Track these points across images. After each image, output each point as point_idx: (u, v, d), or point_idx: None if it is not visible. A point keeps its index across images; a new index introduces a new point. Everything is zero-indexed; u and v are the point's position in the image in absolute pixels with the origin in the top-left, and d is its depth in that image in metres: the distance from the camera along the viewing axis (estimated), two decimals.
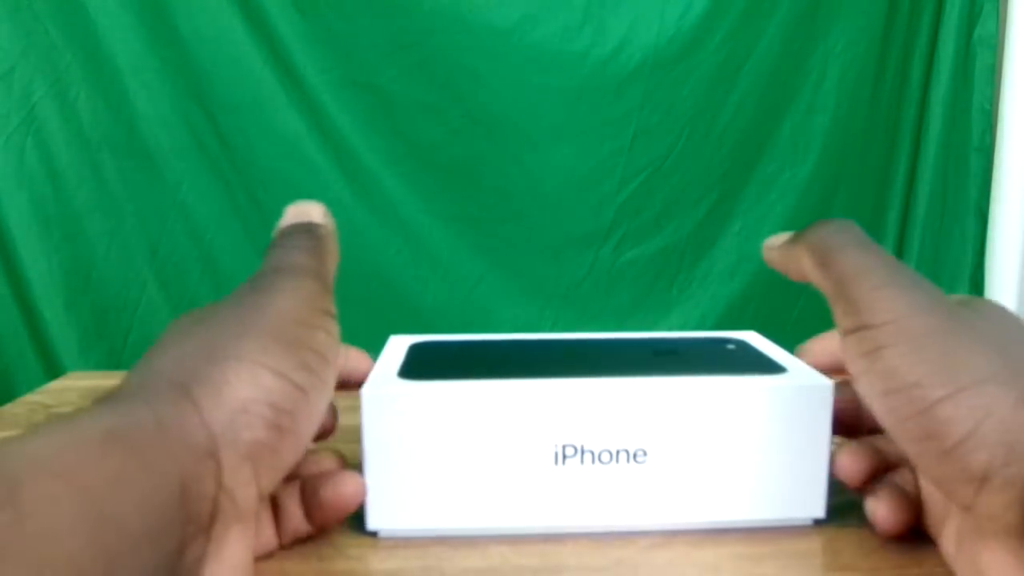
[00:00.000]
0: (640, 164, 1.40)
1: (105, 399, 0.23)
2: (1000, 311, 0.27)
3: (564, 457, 0.30)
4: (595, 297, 1.41)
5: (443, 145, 1.36)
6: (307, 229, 0.31)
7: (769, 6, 1.37)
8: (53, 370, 1.24)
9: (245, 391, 0.24)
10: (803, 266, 0.30)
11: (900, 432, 0.25)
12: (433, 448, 0.30)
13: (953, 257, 1.44)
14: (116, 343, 1.30)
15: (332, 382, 0.27)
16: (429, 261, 1.37)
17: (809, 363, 0.33)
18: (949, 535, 0.27)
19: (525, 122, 1.36)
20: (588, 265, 1.42)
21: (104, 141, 1.27)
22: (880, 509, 0.29)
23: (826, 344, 0.34)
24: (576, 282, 1.41)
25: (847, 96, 1.42)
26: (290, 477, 0.29)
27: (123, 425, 0.21)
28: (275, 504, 0.30)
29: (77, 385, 0.57)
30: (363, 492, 0.30)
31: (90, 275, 1.29)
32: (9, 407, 0.52)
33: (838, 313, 0.27)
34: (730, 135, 1.41)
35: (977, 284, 1.43)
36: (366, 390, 0.30)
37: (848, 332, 0.26)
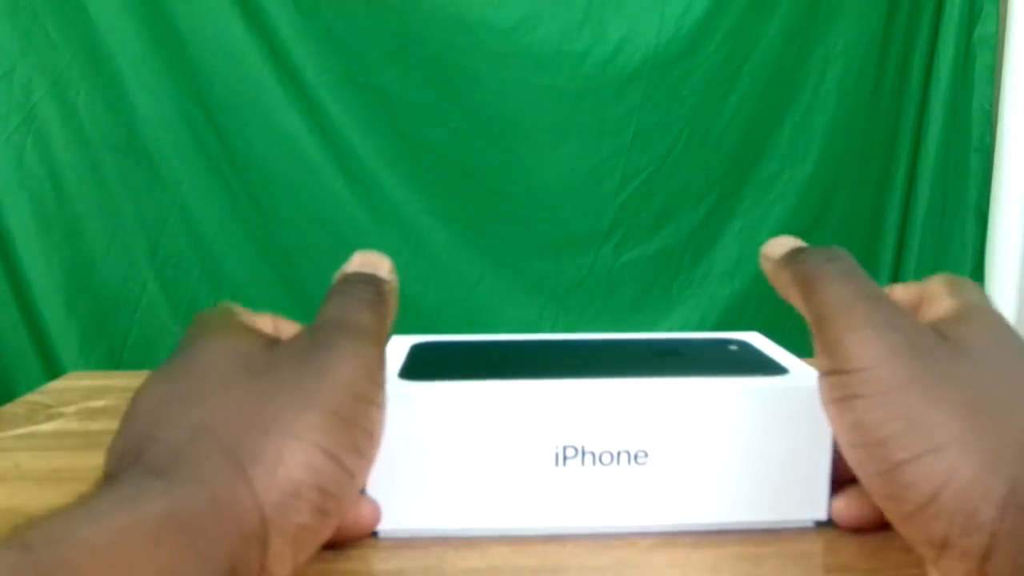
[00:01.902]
0: (640, 164, 1.40)
1: (154, 460, 0.23)
2: (989, 333, 0.26)
3: (565, 458, 0.30)
4: (595, 297, 1.41)
5: (443, 145, 1.36)
6: (373, 282, 0.30)
7: (769, 6, 1.37)
8: (53, 370, 1.23)
9: (299, 473, 0.23)
10: (789, 293, 0.29)
11: (866, 485, 0.25)
12: (434, 448, 0.30)
13: (953, 257, 1.44)
14: (116, 343, 1.30)
15: (375, 458, 0.27)
16: (429, 261, 1.37)
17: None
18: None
19: (525, 122, 1.36)
20: (588, 265, 1.42)
21: (104, 141, 1.27)
22: (839, 504, 0.30)
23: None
24: (576, 282, 1.41)
25: (847, 96, 1.42)
26: None
27: (179, 510, 0.21)
28: None
29: (77, 385, 0.57)
30: (379, 516, 0.30)
31: (90, 275, 1.29)
32: (9, 407, 0.52)
33: (817, 350, 0.27)
34: (730, 135, 1.41)
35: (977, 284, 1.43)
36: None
37: (824, 374, 0.26)
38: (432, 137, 1.35)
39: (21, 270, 1.25)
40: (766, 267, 0.31)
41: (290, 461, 0.23)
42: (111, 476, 0.23)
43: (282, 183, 1.33)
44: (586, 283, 1.42)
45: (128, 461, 0.23)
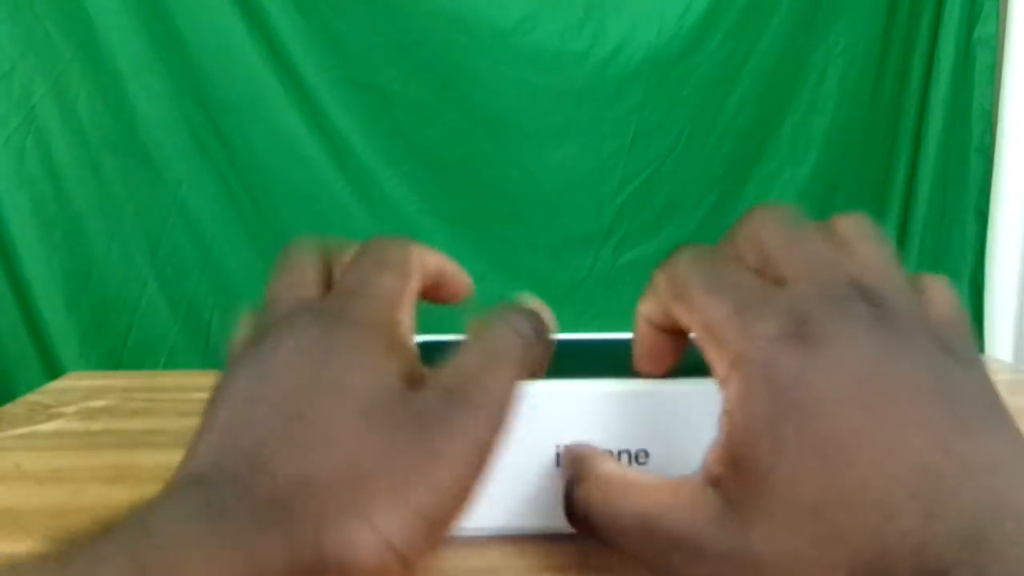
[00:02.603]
0: (640, 164, 1.40)
1: (258, 511, 0.20)
2: (853, 329, 0.21)
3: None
4: (595, 297, 1.41)
5: (443, 145, 1.36)
6: (535, 325, 0.26)
7: (769, 6, 1.37)
8: (53, 370, 1.23)
9: (362, 561, 0.20)
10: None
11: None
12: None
13: (953, 257, 1.44)
14: (116, 343, 1.30)
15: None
16: None
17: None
18: None
19: (525, 122, 1.36)
20: (588, 265, 1.42)
21: (104, 141, 1.27)
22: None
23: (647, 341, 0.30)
24: (576, 282, 1.41)
25: (847, 96, 1.42)
26: None
27: (262, 569, 0.19)
28: None
29: (77, 385, 0.57)
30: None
31: (90, 275, 1.29)
32: (9, 407, 0.52)
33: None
34: (730, 135, 1.41)
35: (977, 284, 1.43)
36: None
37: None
38: (432, 137, 1.35)
39: (21, 270, 1.25)
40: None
41: (361, 549, 0.20)
42: (204, 484, 0.20)
43: (282, 183, 1.33)
44: (586, 283, 1.42)
45: (227, 479, 0.21)
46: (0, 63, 1.21)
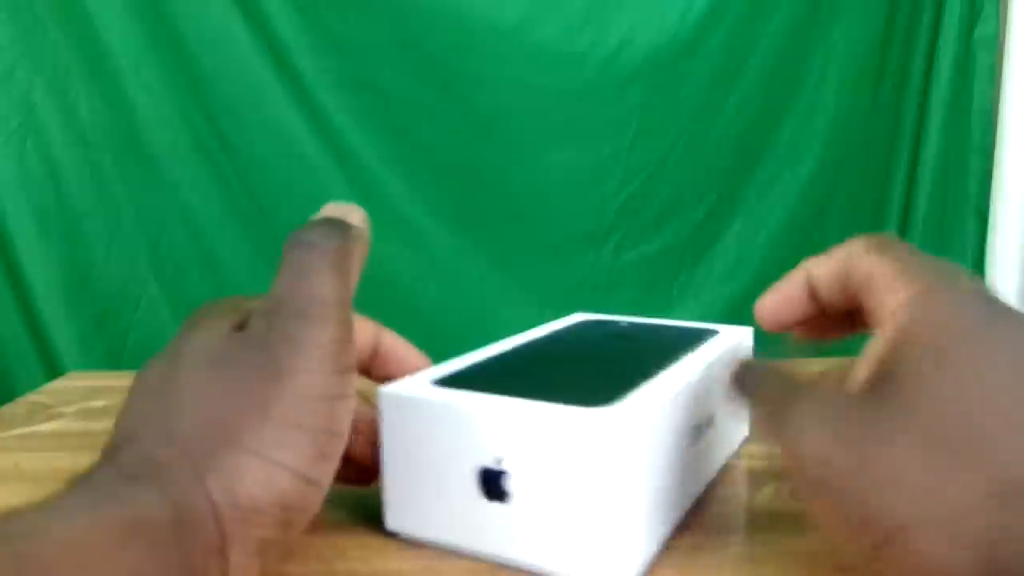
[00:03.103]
0: (640, 164, 1.40)
1: (124, 460, 0.23)
2: (929, 364, 0.22)
3: None
4: (595, 297, 1.41)
5: (443, 145, 1.36)
6: (336, 229, 0.27)
7: (769, 6, 1.37)
8: (53, 370, 1.23)
9: (259, 491, 0.23)
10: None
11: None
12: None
13: (953, 257, 1.44)
14: (116, 343, 1.30)
15: (343, 450, 0.26)
16: (429, 261, 1.37)
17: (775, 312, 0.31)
18: None
19: (525, 122, 1.36)
20: (588, 265, 1.42)
21: (104, 141, 1.27)
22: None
23: (792, 289, 0.30)
24: (576, 282, 1.41)
25: (847, 96, 1.42)
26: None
27: (143, 518, 0.21)
28: None
29: (77, 385, 0.57)
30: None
31: (90, 275, 1.29)
32: (9, 407, 0.52)
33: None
34: (730, 135, 1.41)
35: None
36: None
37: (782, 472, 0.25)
38: (432, 137, 1.35)
39: (21, 270, 1.25)
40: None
41: (248, 478, 0.23)
42: (86, 473, 0.23)
43: (282, 183, 1.33)
44: (586, 283, 1.42)
45: (107, 457, 0.24)
46: (0, 63, 1.21)
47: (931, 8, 1.40)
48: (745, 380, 0.28)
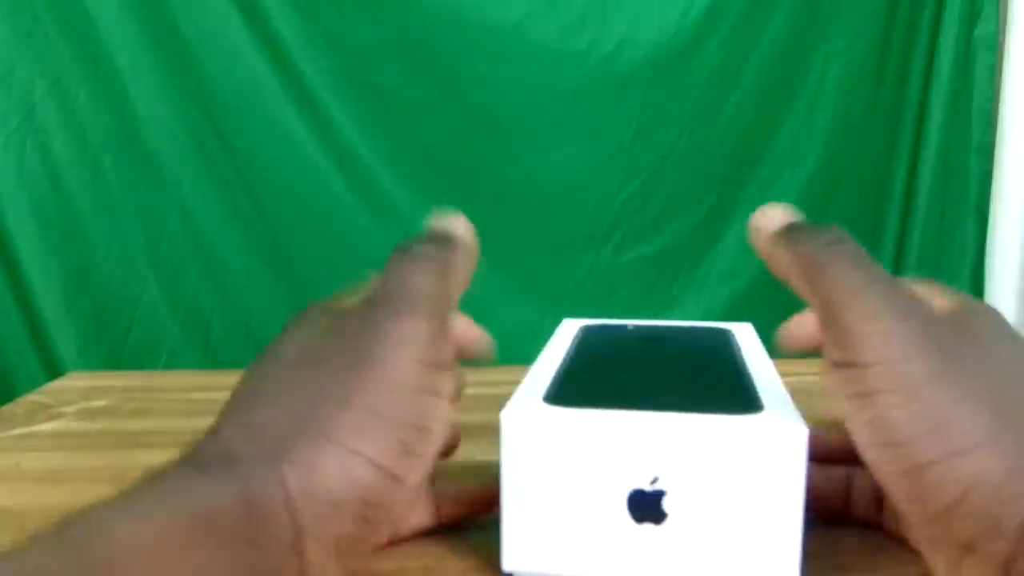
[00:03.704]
0: (640, 164, 1.40)
1: (203, 454, 0.23)
2: (995, 327, 0.25)
3: None
4: (595, 297, 1.41)
5: (443, 145, 1.36)
6: (441, 240, 0.27)
7: (769, 6, 1.37)
8: (53, 370, 1.23)
9: (335, 483, 0.22)
10: (788, 273, 0.27)
11: (888, 486, 0.23)
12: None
13: (953, 257, 1.44)
14: (116, 343, 1.30)
15: (435, 451, 0.25)
16: None
17: (792, 347, 0.31)
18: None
19: (525, 122, 1.36)
20: (588, 265, 1.42)
21: (104, 141, 1.27)
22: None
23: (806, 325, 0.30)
24: (576, 282, 1.41)
25: (847, 96, 1.42)
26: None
27: (213, 511, 0.21)
28: None
29: (77, 385, 0.57)
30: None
31: (90, 275, 1.29)
32: (9, 407, 0.52)
33: (826, 340, 0.25)
34: (730, 135, 1.41)
35: (977, 284, 1.43)
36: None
37: (837, 366, 0.24)
38: (432, 137, 1.35)
39: (21, 270, 1.25)
40: (757, 241, 0.29)
41: (326, 469, 0.22)
42: (160, 468, 0.22)
43: (282, 183, 1.33)
44: (586, 283, 1.42)
45: (186, 453, 0.23)
46: (0, 63, 1.21)
47: (931, 8, 1.40)
48: (810, 248, 0.26)
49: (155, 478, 0.21)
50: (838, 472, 0.30)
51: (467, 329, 0.30)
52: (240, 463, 0.22)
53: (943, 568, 0.23)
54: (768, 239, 0.28)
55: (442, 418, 0.25)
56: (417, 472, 0.24)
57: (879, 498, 0.29)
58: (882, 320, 0.23)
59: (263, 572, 0.21)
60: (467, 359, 0.30)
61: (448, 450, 0.31)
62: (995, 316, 0.26)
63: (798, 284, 0.26)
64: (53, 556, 0.18)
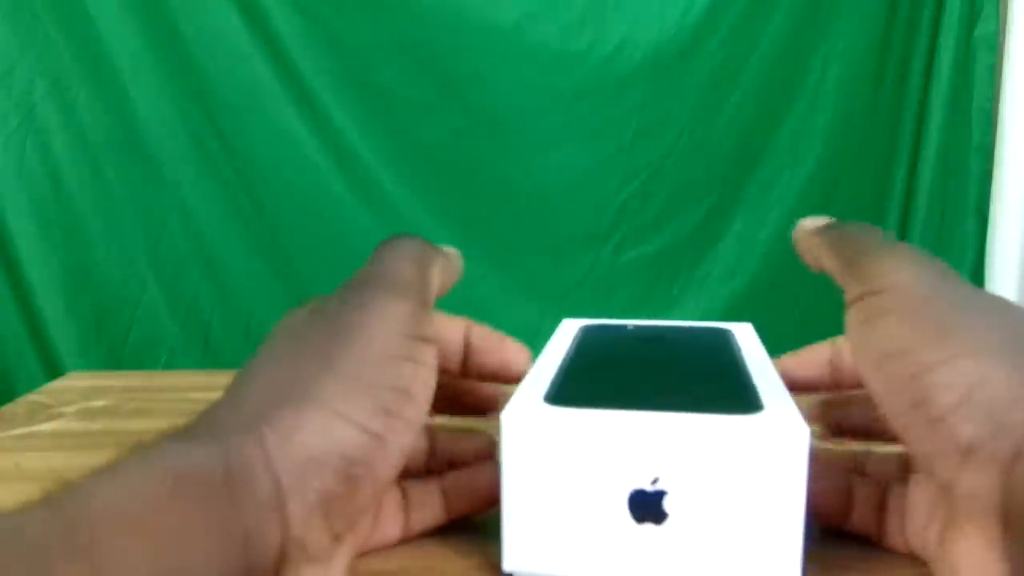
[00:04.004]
0: (640, 164, 1.40)
1: (190, 428, 0.23)
2: (1007, 301, 0.27)
3: None
4: (595, 297, 1.41)
5: (443, 145, 1.36)
6: (424, 242, 0.30)
7: (769, 6, 1.37)
8: (53, 370, 1.24)
9: (315, 440, 0.23)
10: (820, 255, 0.29)
11: (890, 403, 0.24)
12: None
13: (953, 257, 1.44)
14: (116, 343, 1.30)
15: (419, 417, 0.26)
16: None
17: (792, 371, 0.33)
18: (931, 537, 0.26)
19: (525, 122, 1.36)
20: (588, 265, 1.42)
21: (104, 141, 1.28)
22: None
23: (814, 355, 0.33)
24: (576, 282, 1.41)
25: (847, 96, 1.42)
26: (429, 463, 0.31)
27: (192, 472, 0.21)
28: (405, 495, 0.30)
29: (77, 385, 0.57)
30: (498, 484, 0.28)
31: (90, 275, 1.29)
32: (9, 407, 0.52)
33: (847, 287, 0.27)
34: (730, 135, 1.41)
35: (977, 284, 1.43)
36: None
37: (852, 302, 0.26)
38: (432, 137, 1.35)
39: (21, 270, 1.25)
40: (799, 237, 0.32)
41: (307, 427, 0.23)
42: (147, 440, 0.23)
43: (282, 183, 1.33)
44: (586, 283, 1.42)
45: (175, 431, 0.24)
46: (0, 63, 1.21)
47: (931, 8, 1.41)
48: (842, 225, 0.30)
49: (140, 448, 0.22)
50: (839, 482, 0.30)
51: (505, 349, 0.32)
52: (220, 429, 0.23)
53: (943, 477, 0.23)
54: (808, 232, 0.32)
55: (424, 384, 0.26)
56: (399, 434, 0.25)
57: (881, 508, 0.29)
58: (897, 257, 0.26)
59: (243, 530, 0.21)
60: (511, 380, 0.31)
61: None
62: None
63: (827, 262, 0.29)
64: (34, 516, 0.19)
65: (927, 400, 0.23)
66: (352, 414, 0.24)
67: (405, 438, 0.25)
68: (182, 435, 0.23)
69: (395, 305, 0.26)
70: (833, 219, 0.31)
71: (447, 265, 0.31)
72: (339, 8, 1.30)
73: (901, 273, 0.25)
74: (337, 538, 0.24)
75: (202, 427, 0.23)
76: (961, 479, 0.22)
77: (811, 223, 0.32)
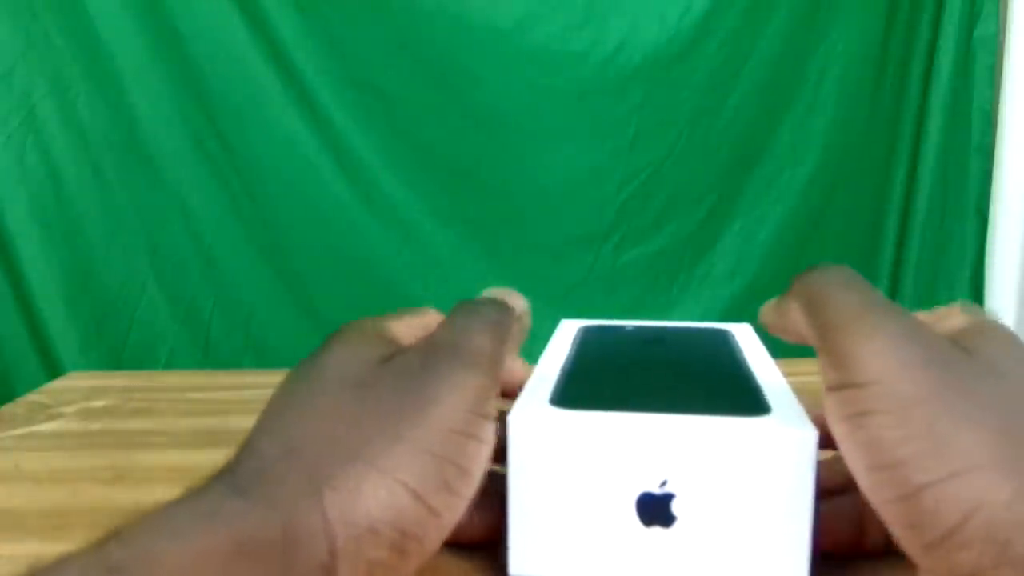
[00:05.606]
0: (640, 164, 1.40)
1: (240, 475, 0.23)
2: (1004, 346, 0.24)
3: None
4: (595, 297, 1.41)
5: (443, 145, 1.36)
6: (500, 306, 0.30)
7: (769, 6, 1.37)
8: (53, 370, 1.24)
9: (378, 510, 0.22)
10: (795, 319, 0.27)
11: (883, 513, 0.22)
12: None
13: (953, 257, 1.44)
14: (116, 343, 1.30)
15: (472, 494, 0.25)
16: (429, 261, 1.37)
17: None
18: None
19: (525, 122, 1.36)
20: (588, 265, 1.42)
21: (104, 141, 1.28)
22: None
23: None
24: (576, 282, 1.41)
25: (847, 96, 1.42)
26: None
27: (252, 535, 0.21)
28: None
29: (77, 385, 0.57)
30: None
31: (90, 275, 1.29)
32: (9, 407, 0.52)
33: (824, 366, 0.24)
34: (730, 135, 1.41)
35: (977, 284, 1.43)
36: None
37: (831, 389, 0.24)
38: (432, 137, 1.35)
39: (21, 270, 1.25)
40: (766, 317, 0.31)
41: (370, 495, 0.23)
42: (201, 485, 0.23)
43: (282, 183, 1.33)
44: (586, 283, 1.42)
45: (224, 469, 0.23)
46: (0, 63, 1.21)
47: (931, 8, 1.40)
48: (811, 280, 0.27)
49: (195, 497, 0.22)
50: (848, 502, 0.29)
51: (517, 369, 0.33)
52: (279, 486, 0.22)
53: None
54: (773, 304, 0.30)
55: (483, 463, 0.25)
56: (453, 511, 0.24)
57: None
58: (877, 340, 0.23)
59: None
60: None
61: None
62: (1005, 335, 0.25)
63: (800, 321, 0.27)
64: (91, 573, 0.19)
65: (921, 524, 0.21)
66: (415, 485, 0.23)
67: (457, 515, 0.25)
68: (235, 484, 0.23)
69: (471, 379, 0.25)
70: (796, 276, 0.28)
71: (519, 331, 0.31)
72: (339, 8, 1.30)
73: (885, 361, 0.23)
74: None
75: (255, 475, 0.23)
76: None
77: (772, 301, 0.30)
